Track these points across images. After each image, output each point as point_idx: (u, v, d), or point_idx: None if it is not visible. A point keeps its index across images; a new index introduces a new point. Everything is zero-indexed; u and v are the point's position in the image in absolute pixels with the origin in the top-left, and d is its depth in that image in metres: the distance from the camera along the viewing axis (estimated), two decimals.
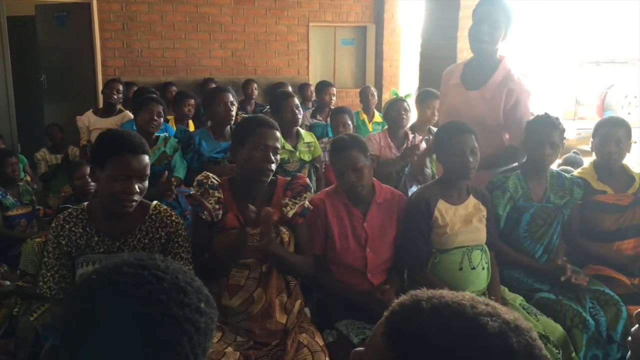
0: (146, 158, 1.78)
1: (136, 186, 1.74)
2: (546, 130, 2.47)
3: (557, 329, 2.20)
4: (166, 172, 2.98)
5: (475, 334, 0.71)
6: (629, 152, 2.67)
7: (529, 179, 2.57)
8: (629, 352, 1.20)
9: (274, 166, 2.01)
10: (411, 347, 0.72)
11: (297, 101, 3.31)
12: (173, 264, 0.87)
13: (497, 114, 2.61)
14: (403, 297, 0.80)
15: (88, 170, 3.38)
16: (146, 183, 1.80)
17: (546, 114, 2.54)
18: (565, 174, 2.70)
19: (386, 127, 3.75)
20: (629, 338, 1.19)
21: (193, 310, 0.81)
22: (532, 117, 2.59)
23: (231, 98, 3.21)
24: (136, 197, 1.76)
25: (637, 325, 1.19)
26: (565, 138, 2.57)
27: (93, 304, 0.81)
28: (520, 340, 0.71)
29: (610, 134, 2.63)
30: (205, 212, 1.97)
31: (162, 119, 3.33)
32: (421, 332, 0.72)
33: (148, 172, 1.79)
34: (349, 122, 3.88)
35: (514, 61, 2.74)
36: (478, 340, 0.70)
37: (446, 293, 0.78)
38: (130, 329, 0.77)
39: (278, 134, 2.06)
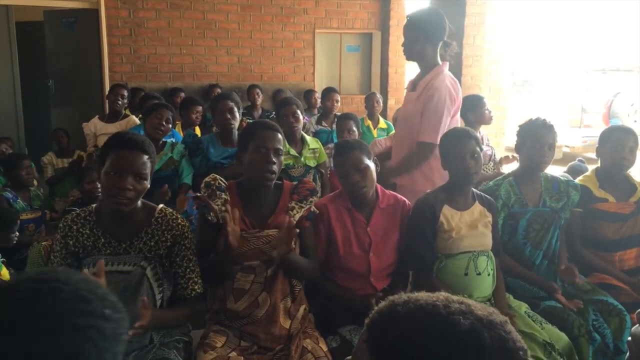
0: (144, 157, 1.76)
1: (129, 182, 1.71)
2: (543, 133, 2.47)
3: (562, 338, 2.18)
4: (166, 185, 3.02)
5: (448, 333, 0.73)
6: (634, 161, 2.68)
7: (522, 184, 2.56)
8: (627, 353, 1.20)
9: (275, 167, 2.00)
10: (390, 354, 0.75)
11: (294, 108, 3.31)
12: (76, 275, 0.87)
13: (420, 111, 2.68)
14: (382, 304, 0.82)
15: None
16: (145, 183, 1.77)
17: (538, 117, 2.55)
18: (560, 177, 2.68)
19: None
20: (629, 338, 1.19)
21: (97, 316, 0.81)
22: (524, 122, 2.59)
23: (230, 104, 3.21)
24: (129, 194, 1.73)
25: (636, 325, 1.19)
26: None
27: None
28: (492, 335, 0.73)
29: (624, 140, 2.63)
30: (211, 214, 1.98)
31: (170, 125, 3.36)
32: (398, 339, 0.76)
33: (146, 171, 1.77)
34: (354, 128, 3.88)
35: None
36: (451, 339, 0.73)
37: (422, 295, 0.80)
38: (31, 345, 0.76)
39: (279, 135, 2.06)
